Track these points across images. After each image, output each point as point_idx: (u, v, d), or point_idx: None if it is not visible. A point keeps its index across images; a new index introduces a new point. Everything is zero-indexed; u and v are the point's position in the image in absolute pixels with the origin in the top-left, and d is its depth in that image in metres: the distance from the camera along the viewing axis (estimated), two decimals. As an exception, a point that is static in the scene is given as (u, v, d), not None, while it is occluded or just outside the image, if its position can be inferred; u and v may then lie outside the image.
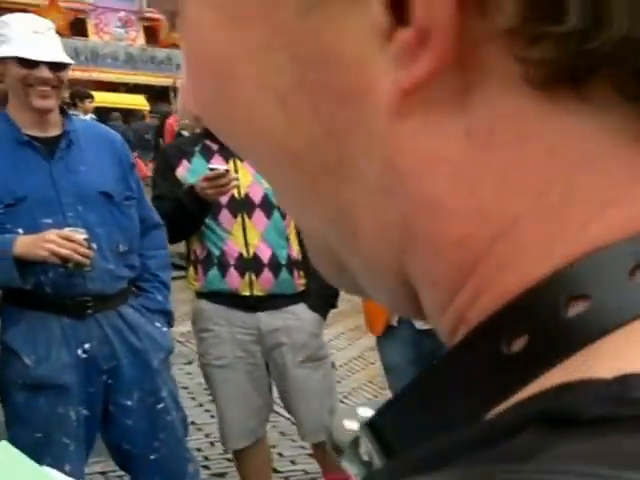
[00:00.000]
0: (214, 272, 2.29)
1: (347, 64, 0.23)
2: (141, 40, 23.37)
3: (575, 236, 0.23)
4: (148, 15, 22.92)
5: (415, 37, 0.22)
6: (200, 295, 2.36)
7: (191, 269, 2.38)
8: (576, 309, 0.22)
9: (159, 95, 18.83)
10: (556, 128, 0.23)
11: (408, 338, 2.25)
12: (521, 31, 0.21)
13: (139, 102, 18.28)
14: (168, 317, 2.30)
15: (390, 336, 2.29)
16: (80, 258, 1.93)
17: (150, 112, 16.50)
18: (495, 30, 0.21)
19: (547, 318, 0.23)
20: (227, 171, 2.22)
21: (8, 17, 2.15)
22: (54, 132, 2.13)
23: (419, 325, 2.18)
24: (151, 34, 22.66)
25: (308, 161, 0.26)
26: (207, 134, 2.36)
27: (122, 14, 23.15)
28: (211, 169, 2.23)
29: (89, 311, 2.06)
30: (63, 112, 2.18)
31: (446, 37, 0.21)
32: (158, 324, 2.23)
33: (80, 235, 1.97)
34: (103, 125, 2.56)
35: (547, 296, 0.23)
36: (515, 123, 0.23)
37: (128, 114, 15.29)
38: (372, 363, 4.22)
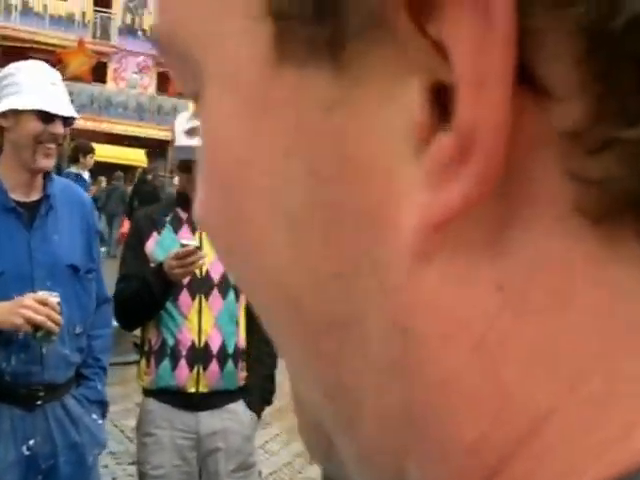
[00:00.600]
0: (165, 365, 2.34)
1: (371, 177, 0.19)
2: (152, 88, 24.57)
3: (616, 444, 0.18)
4: (162, 60, 25.14)
5: (455, 145, 0.18)
6: (148, 393, 2.42)
7: (143, 361, 2.41)
8: None
9: (159, 150, 19.48)
10: (606, 284, 0.18)
11: None
12: (584, 135, 0.17)
13: (138, 157, 18.75)
14: (104, 408, 2.29)
15: None
16: (52, 326, 1.90)
17: (149, 169, 17.23)
18: (547, 139, 0.17)
19: None
20: (197, 248, 2.25)
21: (20, 65, 2.05)
22: (36, 196, 2.07)
23: None
24: (164, 79, 23.54)
25: (311, 309, 0.22)
26: (179, 202, 2.44)
27: (141, 59, 24.19)
28: (182, 245, 2.26)
29: (39, 402, 2.02)
30: (46, 173, 2.10)
31: (493, 149, 0.17)
32: (95, 416, 2.21)
33: (54, 299, 1.94)
34: (77, 186, 2.49)
35: None
36: (558, 274, 0.18)
37: (127, 171, 15.43)
38: (300, 472, 4.27)
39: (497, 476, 0.19)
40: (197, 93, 0.23)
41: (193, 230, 2.40)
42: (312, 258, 0.21)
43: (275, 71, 0.19)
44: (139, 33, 25.14)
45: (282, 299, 0.22)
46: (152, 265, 2.33)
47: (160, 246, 2.37)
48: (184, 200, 2.42)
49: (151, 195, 11.57)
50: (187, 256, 2.23)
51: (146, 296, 2.28)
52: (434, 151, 0.18)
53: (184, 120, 2.53)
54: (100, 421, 2.24)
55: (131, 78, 24.16)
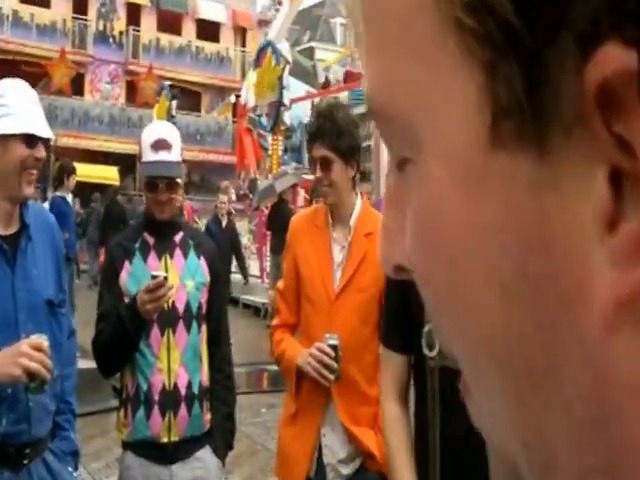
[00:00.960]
0: (140, 414, 2.40)
1: (570, 257, 0.22)
2: (122, 98, 24.50)
3: None
4: (131, 68, 24.38)
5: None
6: (126, 446, 2.48)
7: (121, 411, 2.46)
8: None
9: (129, 166, 18.80)
10: None
11: None
12: None
13: (112, 175, 19.00)
14: (77, 458, 2.26)
15: None
16: (45, 373, 1.79)
17: (120, 188, 16.85)
18: None
19: None
20: (166, 279, 2.28)
21: (5, 84, 1.97)
22: (15, 227, 1.99)
23: (331, 478, 2.37)
24: (132, 88, 23.74)
25: (520, 371, 0.24)
26: (146, 226, 2.50)
27: (112, 67, 24.33)
28: (152, 276, 2.28)
29: (25, 461, 1.96)
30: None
31: None
32: (70, 468, 2.18)
33: (45, 342, 1.83)
34: (43, 209, 2.51)
35: None
36: None
37: (102, 190, 15.35)
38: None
39: None
40: (405, 158, 0.27)
41: (159, 256, 2.48)
42: (522, 325, 0.24)
43: (489, 152, 0.23)
44: (110, 40, 24.93)
45: (493, 358, 0.25)
46: (126, 300, 2.37)
47: (132, 277, 2.43)
48: (151, 223, 2.52)
49: (119, 217, 11.26)
50: (157, 288, 2.26)
51: (122, 336, 2.33)
52: (621, 235, 0.21)
53: (150, 133, 2.54)
54: (75, 474, 2.23)
55: (105, 89, 24.21)
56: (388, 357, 1.77)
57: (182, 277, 2.47)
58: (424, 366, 1.60)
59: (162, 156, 2.46)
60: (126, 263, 2.45)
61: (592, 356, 0.22)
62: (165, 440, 2.41)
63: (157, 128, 2.64)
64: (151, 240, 2.50)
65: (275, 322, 2.55)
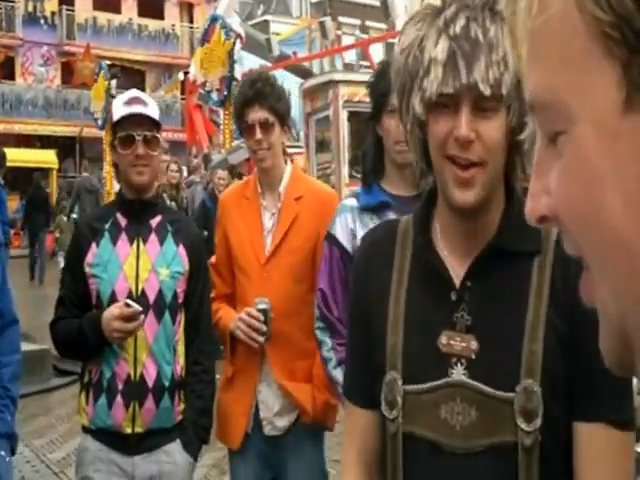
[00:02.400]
0: (102, 403, 2.41)
1: None
2: (58, 80, 24.48)
3: None
4: (67, 49, 24.26)
5: None
6: (86, 430, 2.49)
7: (82, 395, 2.48)
8: None
9: (68, 149, 19.75)
10: None
11: (258, 449, 2.60)
12: None
13: (49, 159, 19.15)
14: (13, 442, 2.28)
15: (243, 451, 2.60)
16: None
17: (58, 171, 17.53)
18: None
19: None
20: (140, 313, 2.31)
21: None
22: None
23: (267, 431, 2.58)
24: (68, 69, 23.40)
25: (633, 249, 0.40)
26: (119, 206, 2.53)
27: (45, 49, 24.28)
28: (127, 305, 2.30)
29: None
30: None
31: None
32: (3, 452, 2.19)
33: None
34: None
35: None
36: None
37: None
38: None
39: None
40: (558, 132, 0.43)
41: (130, 239, 2.47)
42: (637, 219, 0.39)
43: (623, 115, 0.39)
44: (42, 22, 24.91)
45: (615, 243, 0.41)
46: (90, 285, 2.42)
47: (98, 261, 2.44)
48: (125, 203, 2.54)
49: (43, 202, 12.14)
50: (130, 319, 2.30)
51: (81, 344, 2.40)
52: None
53: (122, 97, 2.59)
54: (8, 458, 2.23)
55: (38, 72, 24.07)
56: (351, 414, 1.39)
57: (155, 264, 2.46)
58: (384, 431, 1.27)
59: (137, 109, 2.45)
60: (92, 245, 2.45)
61: None
62: (129, 431, 2.42)
63: (129, 92, 2.63)
64: (123, 221, 2.49)
65: (212, 295, 2.72)
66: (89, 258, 2.43)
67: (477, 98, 1.10)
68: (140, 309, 2.31)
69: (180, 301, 2.50)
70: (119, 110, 2.45)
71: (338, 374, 2.39)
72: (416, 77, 1.11)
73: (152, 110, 2.49)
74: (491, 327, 1.17)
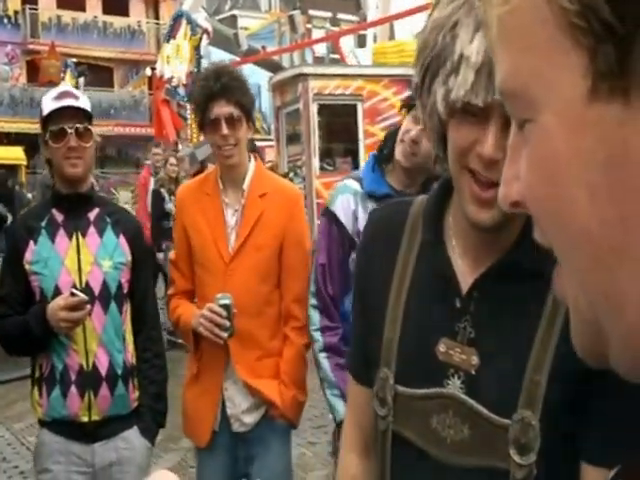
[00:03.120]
0: (56, 394, 2.42)
1: (638, 163, 0.37)
2: (23, 78, 24.26)
3: None
4: (31, 47, 24.09)
5: None
6: (43, 424, 2.51)
7: (35, 390, 2.48)
8: None
9: (37, 146, 19.86)
10: None
11: (226, 446, 2.59)
12: None
13: (18, 155, 18.77)
14: None
15: (210, 448, 2.58)
16: None
17: (27, 167, 17.15)
18: None
19: None
20: (87, 302, 2.32)
21: None
22: None
23: (235, 428, 2.57)
24: (33, 68, 23.25)
25: (598, 242, 0.39)
26: (55, 202, 2.49)
27: (9, 48, 24.02)
28: (72, 294, 2.31)
29: None
30: None
31: None
32: None
33: None
34: None
35: None
36: None
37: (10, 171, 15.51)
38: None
39: None
40: (525, 119, 0.43)
41: (69, 234, 2.46)
42: (604, 210, 0.39)
43: (588, 104, 0.38)
44: (5, 21, 24.66)
45: (580, 235, 0.40)
46: (32, 282, 2.42)
47: (38, 258, 2.43)
48: (60, 199, 2.51)
49: (6, 199, 11.42)
50: (76, 308, 2.31)
51: (28, 339, 2.39)
52: None
53: (51, 92, 2.53)
54: None
55: (2, 70, 23.82)
56: (353, 392, 1.38)
57: (97, 257, 2.47)
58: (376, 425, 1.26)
59: (68, 102, 2.43)
60: (30, 243, 2.44)
61: None
62: (85, 419, 2.45)
63: (59, 87, 2.63)
64: (60, 217, 2.48)
65: (170, 292, 2.70)
66: (28, 256, 2.43)
67: (508, 115, 1.00)
68: (86, 298, 2.32)
69: (125, 291, 2.53)
70: (49, 105, 2.43)
71: (323, 359, 2.41)
72: (443, 65, 0.99)
73: (83, 103, 2.48)
74: (495, 346, 1.08)
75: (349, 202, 2.41)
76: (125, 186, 12.45)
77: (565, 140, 0.40)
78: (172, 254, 2.74)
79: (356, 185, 2.45)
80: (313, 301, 2.45)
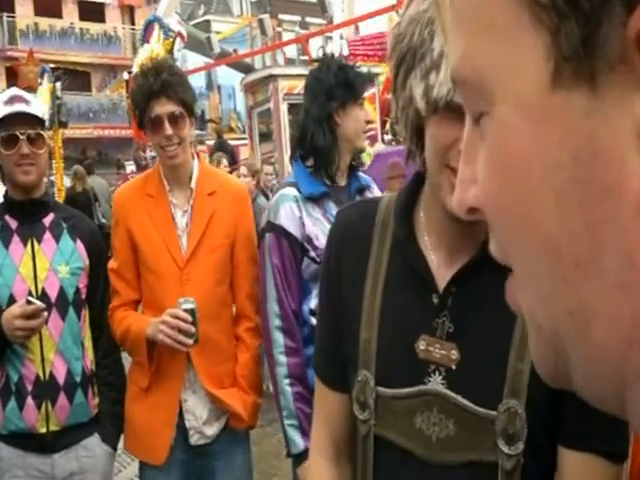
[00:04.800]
0: (12, 406, 2.30)
1: (612, 162, 0.31)
2: (3, 84, 23.73)
3: None
4: (10, 54, 24.09)
5: None
6: None
7: None
8: None
9: None
10: None
11: (182, 461, 2.40)
12: None
13: None
14: None
15: (165, 466, 2.37)
16: None
17: None
18: None
19: None
20: (44, 310, 2.22)
21: None
22: None
23: (194, 441, 2.39)
24: (12, 74, 22.57)
25: (565, 253, 0.33)
26: (7, 208, 2.36)
27: None
28: (28, 302, 2.21)
29: None
30: None
31: None
32: None
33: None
34: None
35: None
36: None
37: None
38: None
39: None
40: (481, 112, 0.37)
41: (24, 241, 2.33)
42: (570, 216, 0.33)
43: (551, 92, 0.33)
44: None
45: (544, 247, 0.34)
46: None
47: None
48: (13, 205, 2.37)
49: None
50: (33, 316, 2.19)
51: None
52: None
53: (2, 96, 2.40)
54: None
55: None
56: (323, 397, 1.30)
57: (53, 263, 2.37)
58: (356, 430, 1.20)
59: (19, 107, 2.32)
60: None
61: (627, 232, 0.31)
62: (43, 430, 2.34)
63: (9, 91, 2.49)
64: (14, 223, 2.37)
65: (114, 303, 2.43)
66: None
67: None
68: (43, 305, 2.22)
69: (83, 296, 2.44)
70: (0, 110, 2.31)
71: (286, 386, 2.25)
72: (421, 60, 0.96)
73: (35, 108, 2.36)
74: (475, 338, 1.07)
75: (293, 210, 2.30)
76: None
77: (526, 135, 0.34)
78: (112, 262, 2.47)
79: (293, 191, 2.33)
80: (277, 322, 2.29)
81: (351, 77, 2.34)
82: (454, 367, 1.07)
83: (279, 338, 2.28)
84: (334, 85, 2.33)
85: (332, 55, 2.49)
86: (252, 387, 2.44)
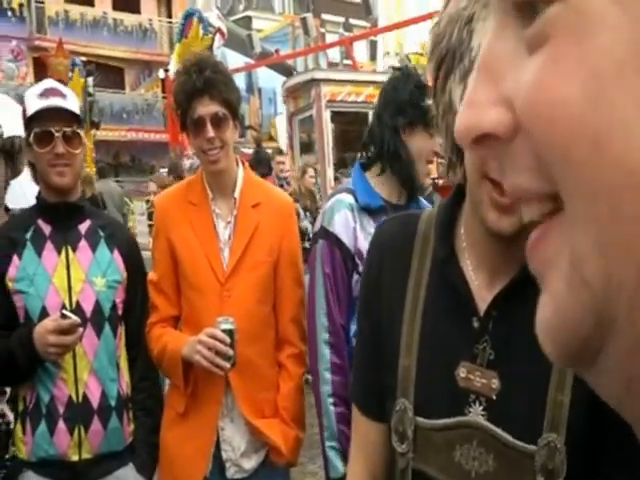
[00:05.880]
0: (42, 429, 2.22)
1: None
2: (31, 77, 23.70)
3: None
4: (38, 44, 23.57)
5: None
6: (27, 465, 2.27)
7: (18, 426, 2.28)
8: None
9: None
10: None
11: None
12: None
13: None
14: None
15: None
16: None
17: None
18: None
19: None
20: (79, 325, 2.13)
21: None
22: None
23: (230, 474, 2.32)
24: (40, 65, 22.70)
25: None
26: (40, 211, 2.29)
27: (13, 44, 23.59)
28: (63, 315, 2.12)
29: None
30: None
31: None
32: None
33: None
34: None
35: None
36: None
37: None
38: None
39: None
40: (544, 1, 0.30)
41: (57, 248, 2.27)
42: None
43: None
44: (9, 14, 23.90)
45: (623, 179, 0.28)
46: (15, 301, 2.21)
47: (23, 275, 2.22)
48: (47, 208, 2.30)
49: None
50: (68, 332, 2.12)
51: (10, 367, 2.17)
52: None
53: (35, 88, 2.35)
54: None
55: (7, 68, 23.41)
56: (361, 426, 1.28)
57: (89, 274, 2.27)
58: (393, 464, 1.19)
59: (55, 102, 2.21)
60: (14, 258, 2.23)
61: None
62: (75, 458, 2.23)
63: (44, 82, 2.38)
64: (47, 229, 2.27)
65: (152, 319, 2.35)
66: (11, 272, 2.21)
67: None
68: (79, 321, 2.12)
69: (120, 312, 2.33)
70: (33, 103, 2.21)
71: (330, 405, 2.21)
72: (460, 61, 0.96)
73: (71, 103, 2.26)
74: (516, 366, 1.05)
75: (347, 219, 2.24)
76: (140, 196, 11.96)
77: (623, 31, 0.27)
78: (152, 274, 2.39)
79: (350, 198, 2.26)
80: (325, 336, 2.22)
81: (425, 102, 2.19)
82: (494, 397, 1.05)
83: (326, 353, 2.22)
84: (407, 102, 2.24)
85: (415, 69, 2.36)
86: (294, 420, 2.36)
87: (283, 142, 12.43)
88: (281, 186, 8.03)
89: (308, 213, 7.05)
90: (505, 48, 0.32)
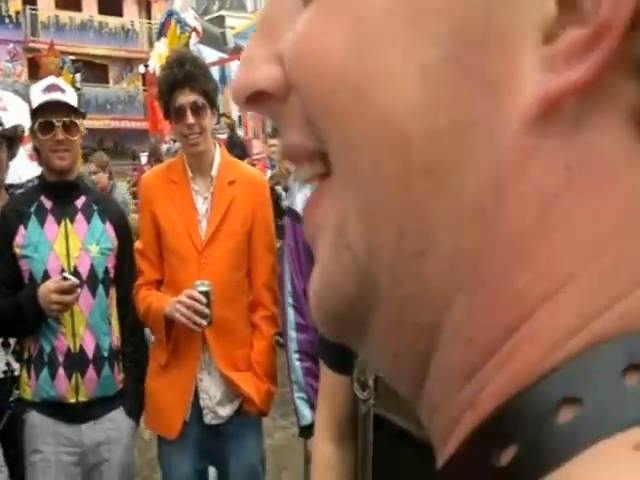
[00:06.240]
0: (45, 375, 2.39)
1: (504, 51, 0.24)
2: (25, 74, 24.69)
3: (605, 313, 0.23)
4: (32, 45, 24.54)
5: (589, 38, 0.22)
6: (31, 405, 2.45)
7: (24, 372, 2.46)
8: (566, 415, 0.22)
9: None
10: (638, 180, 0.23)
11: (195, 438, 2.46)
12: None
13: None
14: None
15: (179, 441, 2.43)
16: None
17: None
18: (628, 58, 0.22)
19: (535, 426, 0.23)
20: (77, 286, 2.32)
21: None
22: None
23: (208, 420, 2.43)
24: (34, 65, 22.42)
25: (416, 154, 0.25)
26: (43, 188, 2.46)
27: (11, 46, 24.48)
28: (64, 278, 2.31)
29: None
30: None
31: (616, 40, 0.22)
32: None
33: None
34: None
35: (538, 399, 0.23)
36: (609, 165, 0.23)
37: None
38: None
39: (523, 323, 0.24)
40: None
41: (57, 220, 2.43)
42: (436, 106, 0.24)
43: None
44: (6, 20, 25.42)
45: (391, 140, 0.25)
46: (22, 266, 2.41)
47: (28, 242, 2.42)
48: (48, 186, 2.47)
49: None
50: (69, 292, 2.30)
51: (19, 320, 2.36)
52: (565, 40, 0.23)
53: (39, 84, 2.52)
54: None
55: (5, 67, 24.47)
56: (327, 379, 1.32)
57: (85, 242, 2.47)
58: (356, 411, 1.20)
59: (56, 96, 2.43)
60: (21, 228, 2.43)
61: (501, 150, 0.24)
62: (72, 400, 2.44)
63: (47, 79, 2.63)
64: (48, 204, 2.47)
65: (138, 282, 2.51)
66: (18, 240, 2.42)
67: None
68: (77, 282, 2.33)
69: (111, 276, 2.53)
70: (38, 97, 2.44)
71: (295, 361, 2.30)
72: None
73: (70, 97, 2.47)
74: None
75: (308, 197, 2.38)
76: (122, 177, 13.29)
77: None
78: (138, 243, 2.57)
79: None
80: (289, 300, 2.36)
81: None
82: None
83: (291, 315, 2.35)
84: None
85: None
86: (266, 374, 2.49)
87: (251, 127, 13.63)
88: (273, 167, 8.31)
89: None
90: (284, 2, 0.30)
